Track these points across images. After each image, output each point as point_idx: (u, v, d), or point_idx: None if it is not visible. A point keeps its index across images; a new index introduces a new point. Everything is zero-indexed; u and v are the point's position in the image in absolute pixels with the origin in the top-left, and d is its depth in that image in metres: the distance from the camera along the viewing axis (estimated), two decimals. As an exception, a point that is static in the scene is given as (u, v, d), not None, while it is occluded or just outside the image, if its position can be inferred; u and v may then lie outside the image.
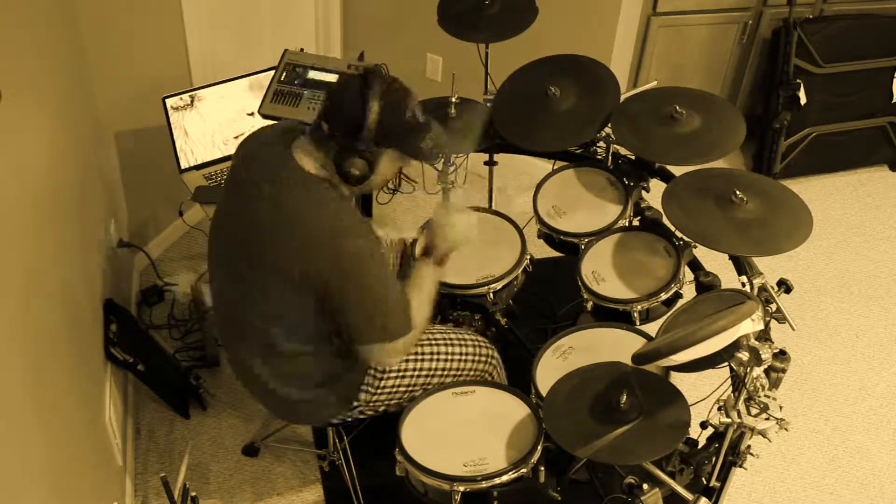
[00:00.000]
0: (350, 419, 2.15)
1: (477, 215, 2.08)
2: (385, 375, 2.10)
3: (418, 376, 2.13)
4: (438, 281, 2.06)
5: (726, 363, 1.85)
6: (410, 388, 2.13)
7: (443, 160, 2.83)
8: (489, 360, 2.22)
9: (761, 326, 1.80)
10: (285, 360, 2.00)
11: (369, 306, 1.86)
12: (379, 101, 1.75)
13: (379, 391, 2.10)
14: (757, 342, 1.73)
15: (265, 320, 1.95)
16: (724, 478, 1.93)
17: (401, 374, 2.11)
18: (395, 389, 2.11)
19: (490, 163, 2.95)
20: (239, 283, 1.98)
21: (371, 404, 2.11)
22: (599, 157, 2.68)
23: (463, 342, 2.20)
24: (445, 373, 2.15)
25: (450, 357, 2.16)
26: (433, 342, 2.17)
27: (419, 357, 2.13)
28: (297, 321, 1.92)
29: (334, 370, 2.03)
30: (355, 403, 2.10)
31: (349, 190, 1.89)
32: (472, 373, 2.19)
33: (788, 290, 2.11)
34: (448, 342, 2.18)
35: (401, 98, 1.80)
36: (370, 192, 1.93)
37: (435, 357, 2.15)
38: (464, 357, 2.18)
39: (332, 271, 1.81)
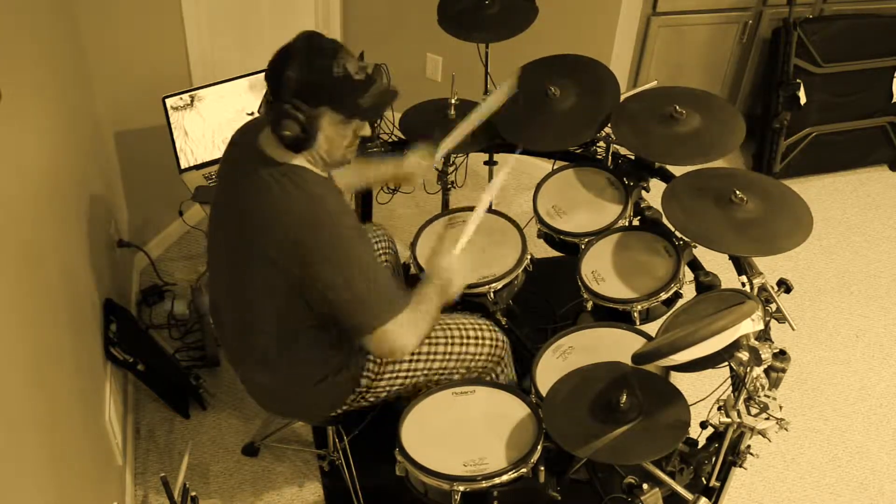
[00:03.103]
0: (353, 408, 2.15)
1: (467, 259, 2.09)
2: (385, 360, 2.10)
3: (418, 360, 2.13)
4: (441, 301, 2.01)
5: (726, 363, 1.85)
6: (412, 374, 2.13)
7: (442, 159, 2.83)
8: (495, 342, 2.21)
9: (761, 326, 1.80)
10: (284, 353, 2.01)
11: (361, 289, 1.83)
12: (300, 55, 1.73)
13: (380, 377, 2.10)
14: (757, 342, 1.73)
15: (255, 316, 1.96)
16: (723, 478, 1.93)
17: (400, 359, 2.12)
18: (395, 375, 2.12)
19: (490, 163, 2.95)
20: (229, 279, 1.99)
21: (373, 390, 2.12)
22: (599, 157, 2.68)
23: (463, 327, 2.19)
24: (447, 357, 2.15)
25: (450, 341, 2.16)
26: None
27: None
28: (286, 312, 1.92)
29: (335, 358, 2.03)
30: (357, 390, 2.10)
31: (322, 166, 1.88)
32: (479, 357, 2.18)
33: (788, 290, 2.11)
34: (447, 327, 2.18)
35: (326, 53, 1.76)
36: (337, 166, 1.91)
37: (433, 341, 2.14)
38: (465, 341, 2.17)
39: (318, 257, 1.80)
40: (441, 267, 2.04)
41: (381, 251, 2.44)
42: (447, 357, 2.15)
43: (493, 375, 2.23)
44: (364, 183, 2.41)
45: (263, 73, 1.79)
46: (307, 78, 1.73)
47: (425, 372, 2.14)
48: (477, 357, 2.18)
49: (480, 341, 2.18)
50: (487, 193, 2.19)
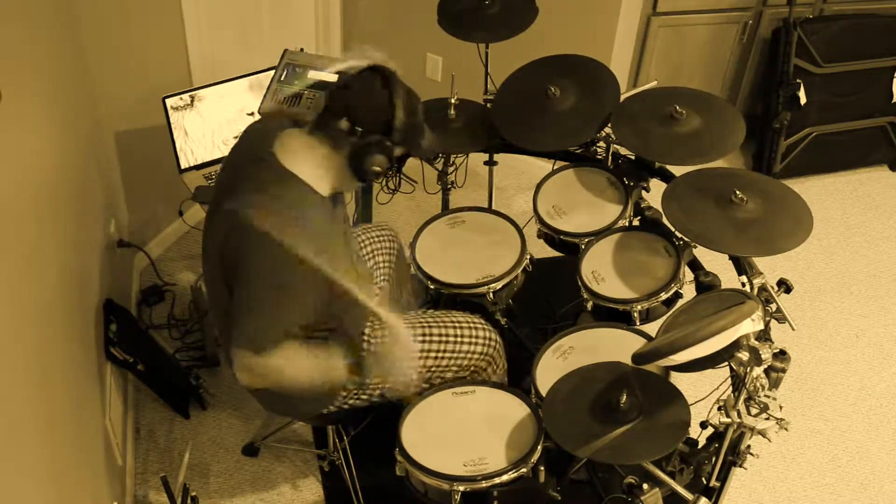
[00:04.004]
0: (347, 406, 2.15)
1: (416, 367, 2.03)
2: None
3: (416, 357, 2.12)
4: (335, 378, 1.99)
5: (726, 363, 1.85)
6: None
7: (442, 159, 2.84)
8: (488, 341, 2.21)
9: (761, 326, 1.80)
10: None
11: (243, 307, 1.81)
12: (404, 99, 1.80)
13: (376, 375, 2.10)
14: (757, 342, 1.73)
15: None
16: (724, 478, 1.93)
17: None
18: None
19: (490, 163, 2.95)
20: (219, 278, 1.99)
21: (365, 387, 2.11)
22: (599, 157, 2.68)
23: (458, 324, 2.20)
24: (440, 355, 2.15)
25: (444, 339, 2.16)
26: (427, 324, 2.17)
27: (415, 338, 2.12)
28: None
29: None
30: (349, 386, 2.09)
31: (336, 188, 1.89)
32: (472, 355, 2.18)
33: (788, 290, 2.11)
34: (442, 324, 2.18)
35: (416, 100, 1.86)
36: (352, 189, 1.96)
37: (427, 339, 2.14)
38: (459, 339, 2.17)
39: (242, 258, 1.80)
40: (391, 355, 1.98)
41: (383, 251, 2.43)
42: (440, 355, 2.15)
43: (485, 375, 2.23)
44: None
45: (348, 104, 1.81)
46: (406, 120, 1.81)
47: (421, 369, 2.13)
48: (469, 355, 2.17)
49: (474, 340, 2.19)
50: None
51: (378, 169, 1.81)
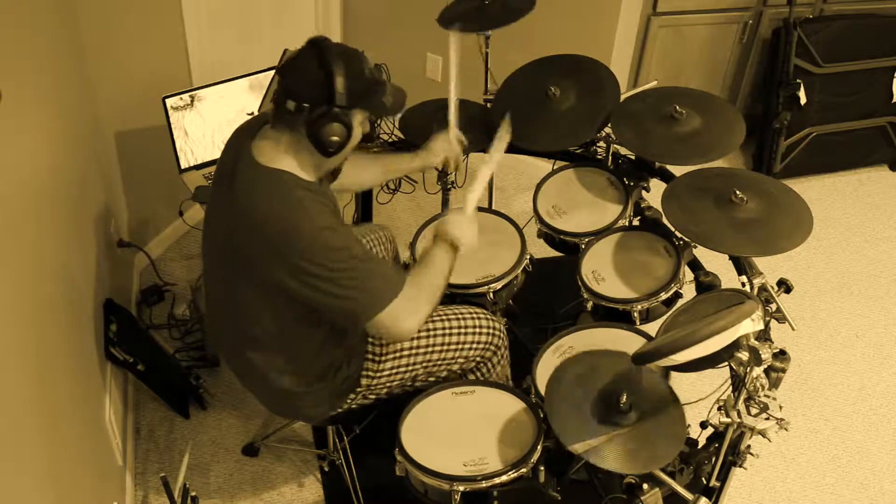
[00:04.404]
0: (355, 407, 2.15)
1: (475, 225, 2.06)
2: (383, 357, 2.10)
3: (416, 354, 2.13)
4: (450, 265, 2.00)
5: (726, 363, 1.85)
6: (411, 368, 2.13)
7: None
8: (491, 331, 2.20)
9: (761, 326, 1.80)
10: (280, 356, 2.01)
11: (347, 288, 1.82)
12: (340, 63, 1.77)
13: (379, 374, 2.10)
14: (757, 342, 1.73)
15: (250, 318, 1.96)
16: (723, 478, 1.93)
17: (398, 353, 2.11)
18: (394, 371, 2.11)
19: (490, 163, 2.95)
20: (221, 282, 1.99)
21: (373, 388, 2.12)
22: (599, 157, 2.68)
23: (461, 316, 2.19)
24: (445, 348, 2.14)
25: (448, 332, 2.15)
26: (429, 318, 2.16)
27: (416, 335, 2.12)
28: (277, 317, 1.92)
29: (331, 359, 2.03)
30: (358, 390, 2.10)
31: (318, 171, 1.89)
32: (474, 346, 2.17)
33: (788, 290, 2.11)
34: (445, 317, 2.17)
35: (357, 58, 1.81)
36: (340, 165, 1.94)
37: (432, 333, 2.14)
38: (463, 330, 2.16)
39: (295, 272, 1.80)
40: (449, 223, 2.00)
41: (381, 254, 2.44)
42: (445, 348, 2.14)
43: (490, 365, 2.23)
44: (390, 176, 2.42)
45: (286, 85, 1.80)
46: (348, 82, 1.77)
47: (424, 364, 2.14)
48: (475, 346, 2.17)
49: (478, 330, 2.18)
50: (495, 154, 2.18)
51: (336, 138, 1.79)
